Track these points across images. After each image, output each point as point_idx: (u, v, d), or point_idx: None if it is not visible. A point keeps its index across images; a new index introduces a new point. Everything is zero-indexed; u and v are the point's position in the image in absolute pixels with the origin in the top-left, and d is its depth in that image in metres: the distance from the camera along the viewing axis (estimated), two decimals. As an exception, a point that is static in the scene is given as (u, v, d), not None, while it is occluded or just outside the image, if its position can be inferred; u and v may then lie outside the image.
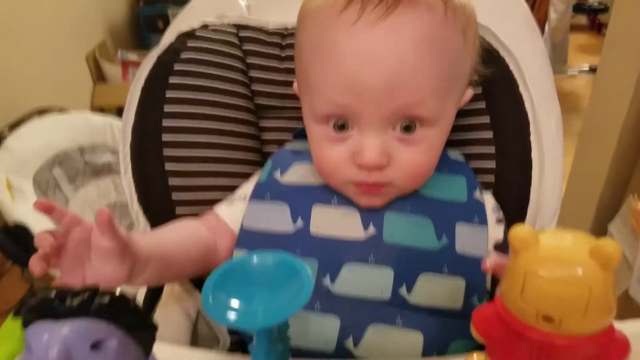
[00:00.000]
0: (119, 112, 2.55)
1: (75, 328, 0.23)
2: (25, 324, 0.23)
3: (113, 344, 0.23)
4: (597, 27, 3.67)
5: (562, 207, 1.23)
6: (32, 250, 1.37)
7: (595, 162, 1.13)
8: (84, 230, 0.39)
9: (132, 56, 2.64)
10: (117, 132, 1.67)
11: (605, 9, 3.47)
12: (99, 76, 2.52)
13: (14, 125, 1.70)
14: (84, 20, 2.47)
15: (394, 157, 0.44)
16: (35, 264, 0.37)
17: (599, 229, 1.12)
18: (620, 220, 1.04)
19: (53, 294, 0.23)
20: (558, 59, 2.48)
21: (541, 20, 2.29)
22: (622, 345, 0.26)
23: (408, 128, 0.44)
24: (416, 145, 0.45)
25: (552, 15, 2.29)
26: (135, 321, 0.25)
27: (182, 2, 2.51)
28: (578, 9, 3.50)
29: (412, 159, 0.45)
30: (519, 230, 0.26)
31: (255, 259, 0.29)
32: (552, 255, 0.25)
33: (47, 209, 0.38)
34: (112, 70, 2.53)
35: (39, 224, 1.37)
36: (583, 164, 1.19)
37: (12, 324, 0.35)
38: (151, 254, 0.43)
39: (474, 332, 0.29)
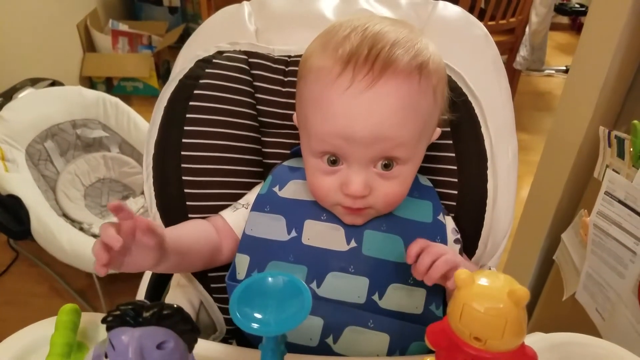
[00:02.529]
0: (107, 82, 2.57)
1: (146, 333, 0.32)
2: (109, 329, 0.33)
3: (171, 344, 0.33)
4: (577, 27, 3.78)
5: (523, 214, 1.34)
6: (23, 221, 1.44)
7: (554, 176, 1.24)
8: (132, 225, 0.45)
9: (123, 26, 2.65)
10: (110, 107, 1.71)
11: (586, 11, 3.58)
12: (89, 45, 2.53)
13: (6, 94, 1.73)
14: (76, -12, 2.47)
15: (375, 188, 0.54)
16: (101, 256, 0.42)
17: (554, 237, 1.24)
18: (573, 231, 1.16)
19: (130, 308, 0.32)
20: (536, 60, 2.57)
21: (522, 23, 2.38)
22: (531, 358, 0.36)
23: (387, 166, 0.54)
24: (393, 180, 0.54)
25: (534, 18, 2.37)
26: (185, 328, 0.34)
27: None
28: (560, 10, 3.60)
29: (389, 190, 0.55)
30: (461, 273, 0.35)
31: (269, 278, 0.38)
32: (482, 293, 0.34)
33: (117, 210, 0.43)
34: (102, 39, 2.54)
35: (30, 196, 1.44)
36: (544, 175, 1.31)
37: (66, 316, 0.43)
38: (173, 248, 0.51)
39: (427, 341, 0.39)
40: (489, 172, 0.63)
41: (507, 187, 0.65)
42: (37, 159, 1.58)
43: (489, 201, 0.63)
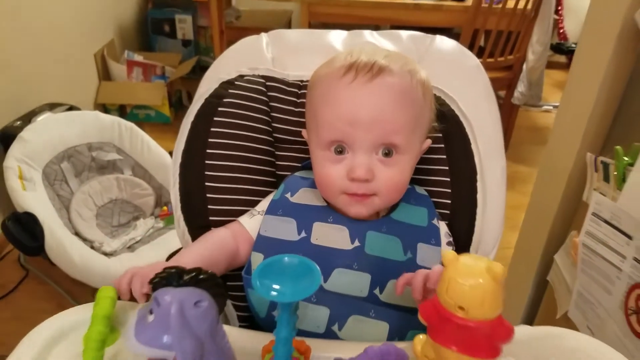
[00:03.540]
0: (120, 109, 2.67)
1: (185, 292, 0.38)
2: (154, 289, 0.39)
3: (205, 304, 0.38)
4: (575, 66, 3.90)
5: (518, 239, 1.40)
6: (37, 237, 1.51)
7: (547, 201, 1.30)
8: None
9: (138, 57, 2.77)
10: (124, 131, 1.80)
11: (583, 51, 3.70)
12: (105, 74, 2.64)
13: (25, 118, 1.82)
14: (96, 20, 2.59)
15: (377, 174, 0.61)
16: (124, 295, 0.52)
17: (548, 259, 1.29)
18: (564, 252, 1.22)
19: (173, 272, 0.38)
20: (534, 95, 2.66)
21: (520, 60, 2.48)
22: (508, 329, 0.42)
23: (387, 154, 0.62)
24: (393, 167, 0.62)
25: (530, 56, 2.47)
26: (218, 291, 0.40)
27: (188, 8, 2.78)
28: (557, 49, 3.73)
29: (390, 176, 0.62)
30: (448, 254, 0.42)
31: (286, 259, 0.45)
32: (465, 270, 0.41)
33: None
34: (118, 69, 2.65)
35: (46, 213, 1.50)
36: (538, 201, 1.37)
37: (107, 291, 0.49)
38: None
39: (419, 316, 0.45)
40: (478, 184, 0.71)
41: (496, 200, 0.72)
42: (53, 179, 1.66)
43: (479, 211, 0.70)
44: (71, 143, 1.69)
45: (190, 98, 2.87)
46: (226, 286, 0.61)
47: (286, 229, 0.64)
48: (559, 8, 2.79)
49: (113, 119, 1.80)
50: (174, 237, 0.85)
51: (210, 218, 0.71)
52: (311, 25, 2.48)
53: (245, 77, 0.77)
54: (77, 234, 1.62)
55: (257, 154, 0.74)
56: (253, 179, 0.73)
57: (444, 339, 0.42)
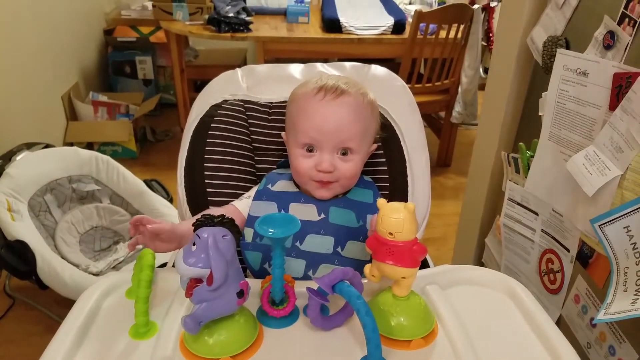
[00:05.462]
0: (88, 146, 2.80)
1: (216, 229, 0.57)
2: (196, 228, 0.57)
3: (229, 237, 0.57)
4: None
5: (459, 228, 1.64)
6: (29, 262, 1.69)
7: (477, 195, 1.56)
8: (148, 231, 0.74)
9: (102, 97, 2.93)
10: (101, 164, 1.95)
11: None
12: (72, 114, 2.78)
13: (5, 157, 1.94)
14: (61, 64, 2.75)
15: (337, 167, 0.83)
16: (132, 233, 0.73)
17: (480, 242, 1.54)
18: (492, 235, 1.46)
19: (207, 216, 0.58)
20: (469, 114, 2.96)
21: (455, 84, 2.80)
22: (422, 247, 0.63)
23: (344, 153, 0.84)
24: (349, 162, 0.84)
25: (463, 79, 2.79)
26: (235, 229, 0.59)
27: (147, 49, 3.07)
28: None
29: (347, 168, 0.84)
30: (380, 200, 0.63)
31: (277, 215, 0.66)
32: (391, 208, 0.62)
33: (136, 223, 0.74)
34: (84, 109, 2.80)
35: (35, 240, 1.63)
36: (470, 196, 1.63)
37: (146, 254, 0.68)
38: (190, 234, 0.77)
39: (366, 247, 0.66)
40: (407, 170, 0.96)
41: (422, 182, 0.97)
42: (38, 210, 1.79)
43: (410, 189, 0.95)
44: (53, 177, 1.83)
45: (154, 133, 3.06)
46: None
47: (269, 210, 0.86)
48: (491, 35, 3.12)
49: (91, 154, 1.94)
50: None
51: (210, 205, 0.92)
52: (266, 61, 2.71)
53: (228, 101, 0.99)
54: (63, 259, 1.74)
55: (241, 158, 0.96)
56: (239, 177, 0.95)
57: (382, 257, 0.63)
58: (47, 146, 2.09)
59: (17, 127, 2.22)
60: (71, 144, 2.75)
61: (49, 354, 0.61)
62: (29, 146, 2.06)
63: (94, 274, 1.70)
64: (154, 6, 2.76)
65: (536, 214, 1.22)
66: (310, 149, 0.84)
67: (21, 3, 2.31)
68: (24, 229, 1.64)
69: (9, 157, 1.93)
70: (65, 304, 1.75)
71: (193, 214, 0.93)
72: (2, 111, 2.11)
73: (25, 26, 2.36)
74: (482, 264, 1.53)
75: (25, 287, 1.79)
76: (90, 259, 1.84)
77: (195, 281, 0.58)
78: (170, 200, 2.04)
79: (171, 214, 1.92)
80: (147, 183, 2.03)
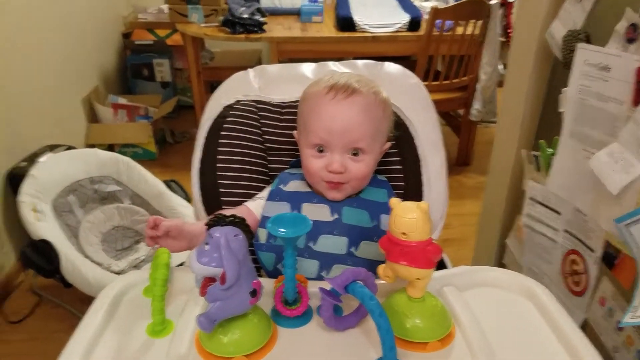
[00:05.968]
0: (109, 148, 2.85)
1: (229, 228, 0.57)
2: (209, 228, 0.57)
3: (241, 236, 0.57)
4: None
5: (479, 228, 1.61)
6: (53, 261, 1.73)
7: (497, 195, 1.53)
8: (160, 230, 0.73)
9: (122, 100, 2.97)
10: (122, 165, 1.98)
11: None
12: (93, 117, 2.83)
13: (29, 159, 1.99)
14: (82, 69, 2.80)
15: (348, 167, 0.82)
16: (148, 233, 0.72)
17: (501, 242, 1.51)
18: (513, 235, 1.44)
19: (220, 216, 0.58)
20: (489, 112, 2.91)
21: (473, 81, 2.76)
22: (437, 247, 0.62)
23: (355, 154, 0.83)
24: (360, 163, 0.83)
25: (482, 76, 2.74)
26: (247, 229, 0.59)
27: (164, 52, 3.10)
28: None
29: (358, 169, 0.83)
30: (393, 200, 0.62)
31: (288, 215, 0.66)
32: (404, 208, 0.61)
33: (152, 224, 0.73)
34: (104, 111, 2.84)
35: (59, 240, 1.67)
36: (490, 196, 1.60)
37: (162, 253, 0.69)
38: (201, 233, 0.76)
39: (379, 247, 0.65)
40: (422, 169, 0.94)
41: (438, 182, 0.95)
42: (61, 211, 1.82)
43: (425, 189, 0.94)
44: (75, 178, 1.87)
45: (173, 135, 3.08)
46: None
47: (282, 210, 0.85)
48: (509, 31, 3.06)
49: (112, 155, 1.98)
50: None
51: (223, 206, 0.92)
52: (280, 62, 2.71)
53: (241, 102, 0.99)
54: (86, 258, 1.78)
55: (254, 158, 0.96)
56: (252, 177, 0.95)
57: (395, 257, 0.62)
58: (69, 148, 2.14)
59: (41, 129, 2.26)
60: (92, 146, 2.80)
61: (69, 349, 0.62)
62: (52, 148, 2.11)
63: (115, 273, 1.73)
64: (169, 9, 2.79)
65: (558, 213, 1.19)
66: (320, 150, 0.84)
67: (45, 11, 2.35)
68: (48, 229, 1.68)
69: (32, 159, 1.98)
70: (88, 302, 1.76)
71: (208, 214, 0.93)
72: (26, 114, 2.16)
73: (49, 33, 2.41)
74: (502, 266, 1.50)
75: (51, 285, 1.83)
76: (112, 258, 1.87)
77: (209, 280, 0.58)
78: (189, 201, 2.06)
79: (189, 214, 1.94)
80: (167, 183, 2.06)
